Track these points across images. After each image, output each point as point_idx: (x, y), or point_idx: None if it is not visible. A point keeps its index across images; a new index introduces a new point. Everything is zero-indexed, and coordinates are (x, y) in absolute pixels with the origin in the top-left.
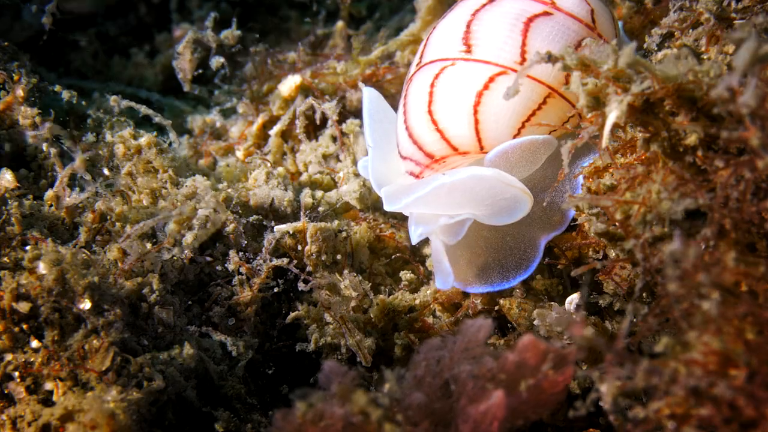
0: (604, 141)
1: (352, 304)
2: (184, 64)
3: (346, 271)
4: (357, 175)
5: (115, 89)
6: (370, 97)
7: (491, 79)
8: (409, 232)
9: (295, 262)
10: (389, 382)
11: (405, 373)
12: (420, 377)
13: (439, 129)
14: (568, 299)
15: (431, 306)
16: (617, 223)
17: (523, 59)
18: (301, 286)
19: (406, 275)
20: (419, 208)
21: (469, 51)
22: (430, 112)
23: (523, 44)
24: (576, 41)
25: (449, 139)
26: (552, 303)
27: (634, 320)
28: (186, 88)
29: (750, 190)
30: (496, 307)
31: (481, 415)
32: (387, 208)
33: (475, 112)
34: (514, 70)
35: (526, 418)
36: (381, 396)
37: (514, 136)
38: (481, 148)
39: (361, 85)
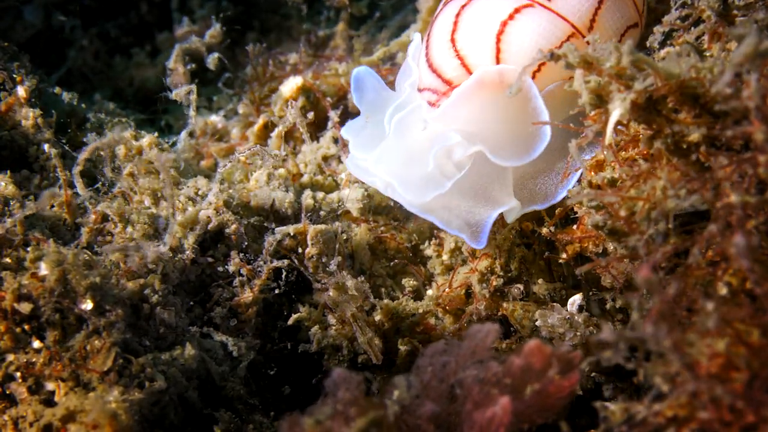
0: (608, 138)
1: (357, 304)
2: (178, 78)
3: (344, 273)
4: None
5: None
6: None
7: (517, 10)
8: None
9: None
10: (399, 390)
11: (412, 379)
12: (426, 382)
13: (460, 56)
14: (570, 300)
15: (434, 310)
16: (622, 220)
17: None
18: (315, 285)
19: (408, 282)
20: (463, 106)
21: None
22: (452, 40)
23: None
24: None
25: (469, 66)
26: (554, 304)
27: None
28: (186, 103)
29: (753, 186)
30: (500, 312)
31: (487, 421)
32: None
33: (498, 41)
34: (541, 4)
35: (532, 423)
36: (390, 403)
37: (534, 73)
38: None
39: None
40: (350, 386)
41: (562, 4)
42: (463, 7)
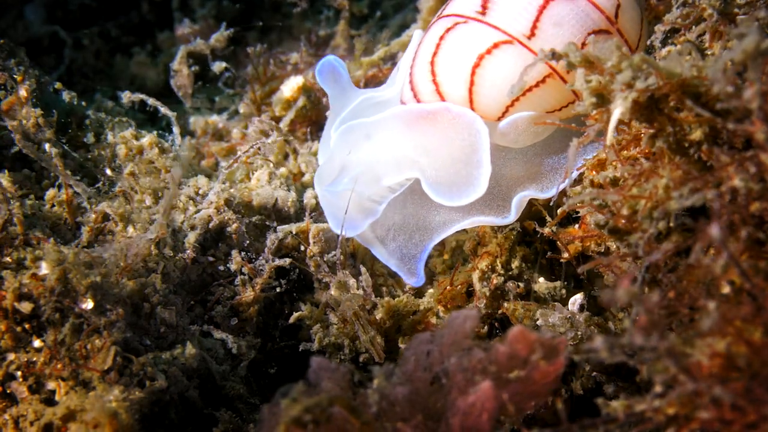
0: (609, 138)
1: (359, 303)
2: (182, 80)
3: (347, 272)
4: None
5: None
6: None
7: (495, 45)
8: None
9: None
10: (378, 378)
11: (395, 369)
12: (410, 372)
13: (435, 81)
14: (572, 300)
15: (434, 308)
16: (624, 219)
17: (533, 34)
18: (316, 283)
19: None
20: (415, 125)
21: (483, 13)
22: (432, 63)
23: (537, 19)
24: (591, 30)
25: (443, 94)
26: (555, 303)
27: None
28: (188, 104)
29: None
30: (500, 311)
31: (469, 407)
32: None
33: (473, 73)
34: (521, 42)
35: (519, 410)
36: (370, 392)
37: (507, 107)
38: (472, 110)
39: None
40: (334, 375)
41: (542, 43)
42: (447, 30)
